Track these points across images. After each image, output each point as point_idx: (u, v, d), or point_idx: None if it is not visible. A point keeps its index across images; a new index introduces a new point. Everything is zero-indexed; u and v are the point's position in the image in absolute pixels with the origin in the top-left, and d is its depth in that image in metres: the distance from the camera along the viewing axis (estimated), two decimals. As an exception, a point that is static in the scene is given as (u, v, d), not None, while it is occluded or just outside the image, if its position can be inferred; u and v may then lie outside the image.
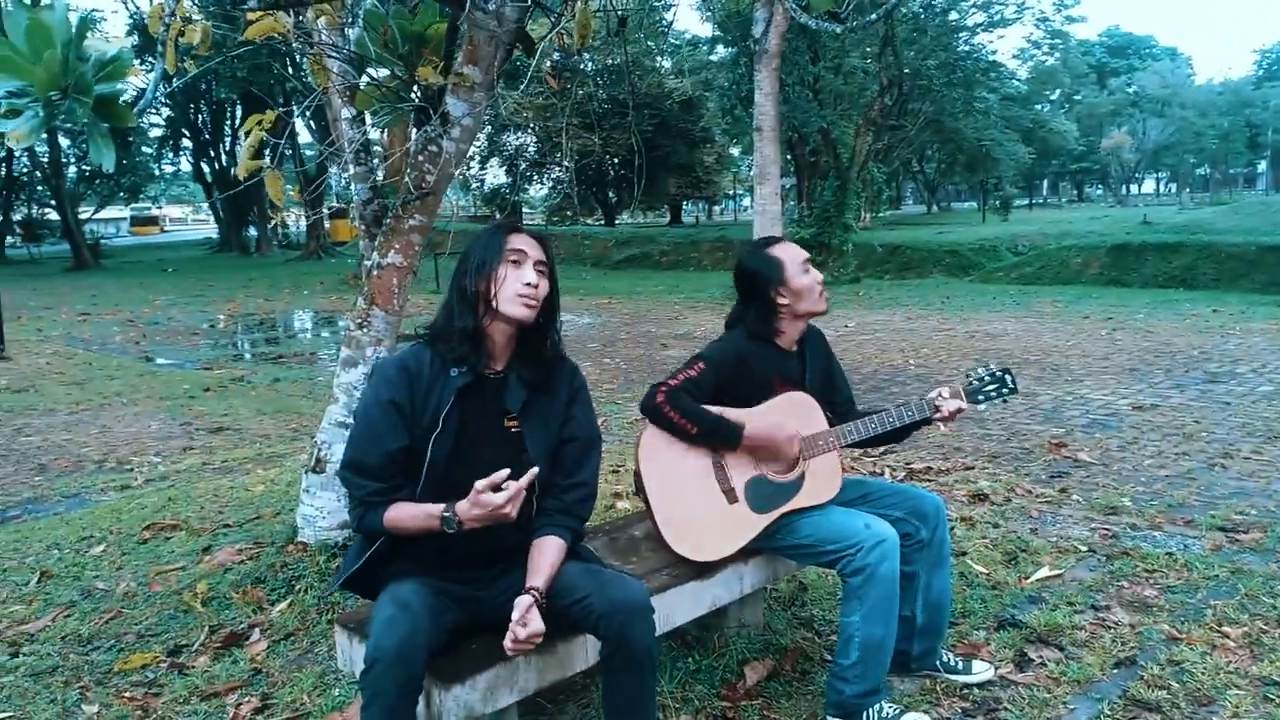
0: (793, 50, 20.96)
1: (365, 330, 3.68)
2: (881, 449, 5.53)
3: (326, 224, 33.86)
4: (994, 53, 32.76)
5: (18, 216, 42.89)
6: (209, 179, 40.85)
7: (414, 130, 3.71)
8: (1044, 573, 3.73)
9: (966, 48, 27.64)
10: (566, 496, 2.31)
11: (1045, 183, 68.88)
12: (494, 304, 2.20)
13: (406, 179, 3.60)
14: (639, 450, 2.77)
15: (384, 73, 3.71)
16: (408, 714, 1.96)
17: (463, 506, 2.06)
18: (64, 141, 33.86)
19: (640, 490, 2.79)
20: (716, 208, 61.40)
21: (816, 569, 3.49)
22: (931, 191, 52.70)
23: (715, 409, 2.73)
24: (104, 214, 50.22)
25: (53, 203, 39.07)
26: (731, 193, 60.27)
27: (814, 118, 23.91)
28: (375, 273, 3.67)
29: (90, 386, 9.29)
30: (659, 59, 35.15)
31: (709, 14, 27.26)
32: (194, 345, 13.22)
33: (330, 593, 2.38)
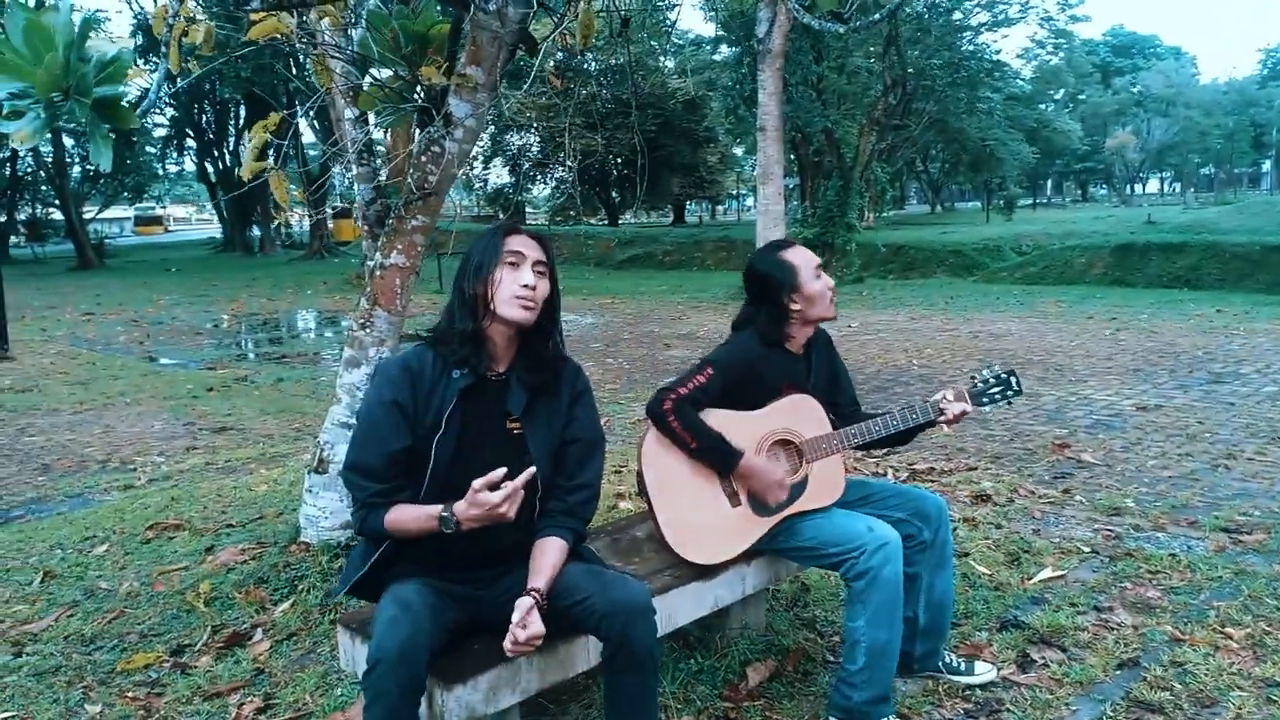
0: (796, 50, 20.94)
1: (368, 330, 3.68)
2: (884, 450, 5.53)
3: (330, 224, 33.92)
4: (998, 52, 32.81)
5: (22, 216, 42.97)
6: (213, 179, 40.91)
7: (417, 131, 3.72)
8: (1047, 574, 3.72)
9: (970, 47, 27.61)
10: (569, 498, 2.31)
11: (1049, 182, 68.82)
12: (492, 306, 2.21)
13: (409, 179, 3.60)
14: (642, 452, 2.76)
15: (387, 73, 3.72)
16: (410, 714, 1.97)
17: (460, 506, 2.06)
18: (68, 141, 33.92)
19: (643, 492, 2.79)
20: (720, 208, 61.39)
21: (819, 569, 3.48)
22: (935, 191, 52.67)
23: (722, 414, 2.73)
24: (108, 214, 50.34)
25: (57, 202, 39.15)
26: (735, 193, 60.31)
27: (817, 117, 23.89)
28: (378, 273, 3.67)
29: (94, 386, 9.31)
30: (662, 59, 35.14)
31: (712, 14, 27.23)
32: (198, 345, 13.24)
33: (336, 599, 2.38)
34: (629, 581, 2.23)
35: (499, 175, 41.38)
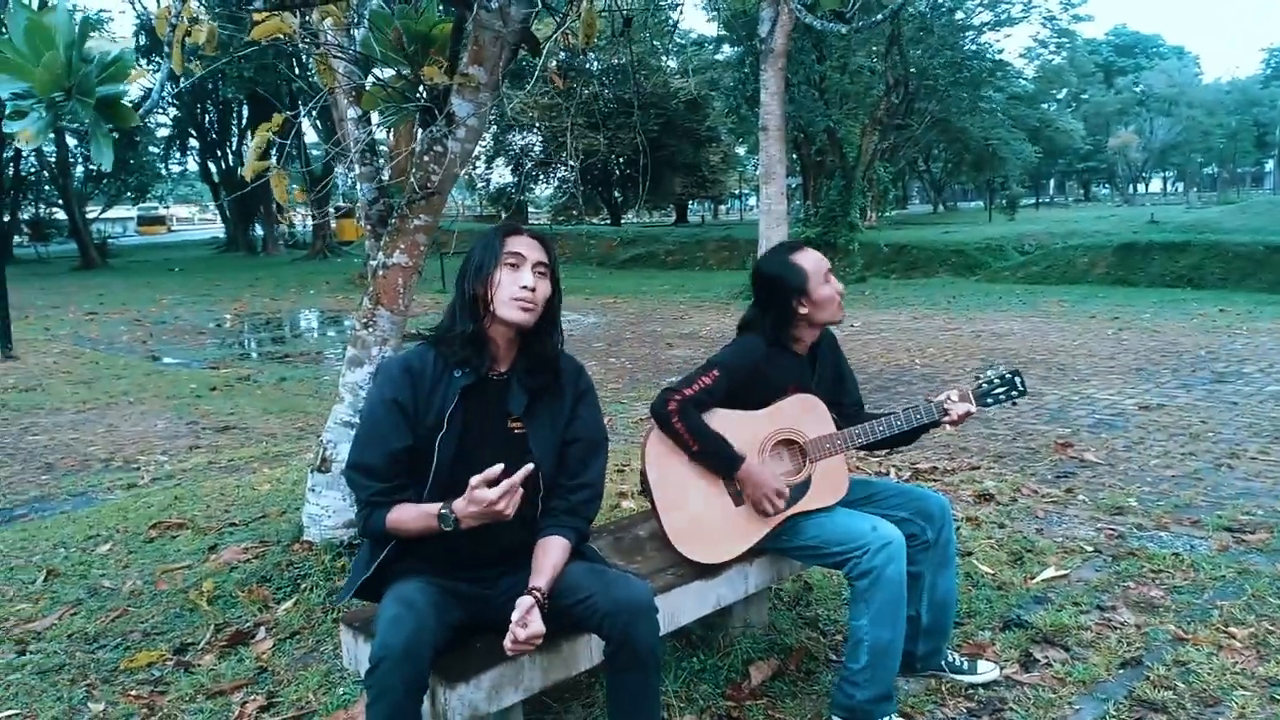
0: (799, 49, 20.95)
1: (371, 330, 3.69)
2: (887, 449, 5.53)
3: (332, 224, 33.94)
4: (1000, 52, 32.77)
5: (25, 216, 43.00)
6: (216, 179, 40.96)
7: (419, 130, 3.72)
8: (1050, 573, 3.72)
9: (973, 47, 27.62)
10: (572, 497, 2.31)
11: (1052, 182, 68.81)
12: (492, 307, 2.21)
13: (412, 179, 3.60)
14: (645, 451, 2.76)
15: (390, 73, 3.72)
16: (413, 712, 1.97)
17: (459, 504, 2.07)
18: (71, 141, 33.97)
19: (646, 491, 2.79)
20: (722, 207, 61.43)
21: (822, 568, 3.48)
22: (938, 191, 52.64)
23: (724, 412, 2.73)
24: (111, 213, 50.37)
25: (60, 202, 39.19)
26: (737, 192, 60.36)
27: (820, 117, 23.88)
28: (381, 272, 3.67)
29: (97, 385, 9.32)
30: (665, 59, 35.12)
31: (715, 13, 27.22)
32: (200, 344, 13.25)
33: (341, 602, 2.38)
34: (631, 580, 2.23)
35: (501, 175, 41.44)
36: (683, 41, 35.55)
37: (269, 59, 21.75)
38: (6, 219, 36.65)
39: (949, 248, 22.49)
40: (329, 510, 3.73)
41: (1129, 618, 3.29)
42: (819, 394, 2.84)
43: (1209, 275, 16.58)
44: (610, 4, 4.51)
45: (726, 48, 31.81)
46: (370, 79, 3.88)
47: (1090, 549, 4.00)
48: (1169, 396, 7.25)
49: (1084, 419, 6.59)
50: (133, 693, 2.89)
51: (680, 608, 2.69)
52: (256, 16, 3.43)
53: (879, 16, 5.15)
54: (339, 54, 3.80)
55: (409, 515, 2.15)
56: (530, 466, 2.10)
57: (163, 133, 41.20)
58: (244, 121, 38.70)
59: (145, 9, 31.31)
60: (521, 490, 2.08)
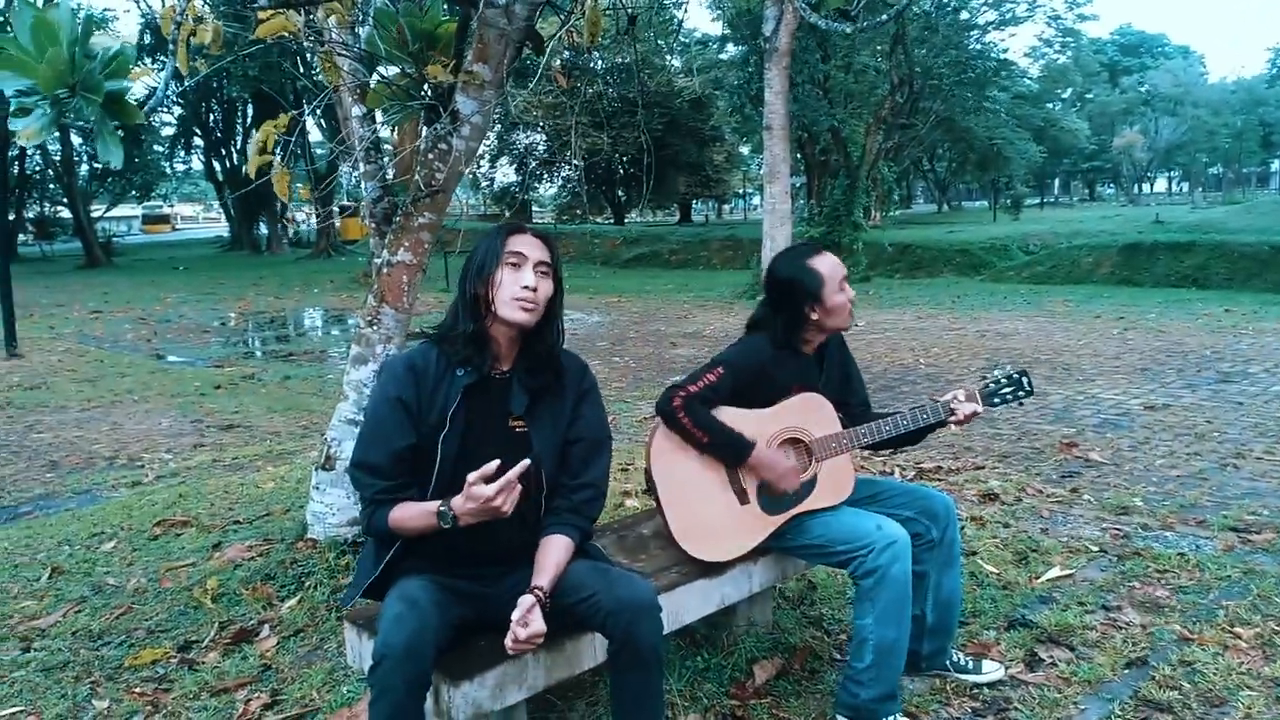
0: (803, 48, 20.93)
1: (375, 328, 3.69)
2: (892, 449, 5.52)
3: (337, 222, 33.95)
4: (1005, 51, 32.65)
5: (30, 214, 43.09)
6: (220, 177, 41.02)
7: (424, 128, 3.72)
8: (1055, 573, 3.71)
9: (978, 46, 27.59)
10: (575, 496, 2.31)
11: (1056, 182, 68.68)
12: (493, 307, 2.21)
13: (416, 177, 3.60)
14: (650, 449, 2.76)
15: (394, 71, 3.72)
16: (416, 710, 1.97)
17: (458, 501, 2.06)
18: (76, 140, 34.00)
19: (651, 489, 2.79)
20: (726, 206, 61.37)
21: (826, 567, 3.48)
22: (942, 190, 52.59)
23: (731, 411, 2.72)
24: (116, 212, 50.43)
25: (65, 201, 39.27)
26: (741, 191, 60.26)
27: (824, 116, 23.85)
28: (385, 270, 3.67)
29: (102, 384, 9.34)
30: (669, 57, 35.09)
31: (719, 12, 27.24)
32: (205, 343, 13.27)
33: (347, 604, 2.38)
34: (634, 579, 2.23)
35: (505, 174, 41.49)
36: (687, 40, 35.53)
37: (274, 57, 21.75)
38: (11, 217, 36.78)
39: (953, 247, 22.47)
40: (333, 508, 3.73)
41: (1134, 617, 3.28)
42: (826, 394, 2.83)
43: (1214, 275, 16.55)
44: (615, 2, 4.51)
45: (731, 47, 31.79)
46: (375, 77, 3.88)
47: (1095, 549, 3.99)
48: (1174, 396, 7.24)
49: (1089, 419, 6.57)
50: (137, 690, 2.89)
51: (684, 606, 2.68)
52: (261, 14, 3.43)
53: (884, 16, 5.15)
54: (344, 52, 3.80)
55: (410, 513, 2.15)
56: (526, 462, 2.08)
57: (167, 131, 41.23)
58: (249, 120, 38.73)
59: (150, 8, 31.38)
60: (519, 487, 2.07)
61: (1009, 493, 4.84)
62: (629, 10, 4.50)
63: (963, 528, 4.11)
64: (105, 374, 10.00)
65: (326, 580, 3.51)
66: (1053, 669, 2.94)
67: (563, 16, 3.70)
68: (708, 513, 2.73)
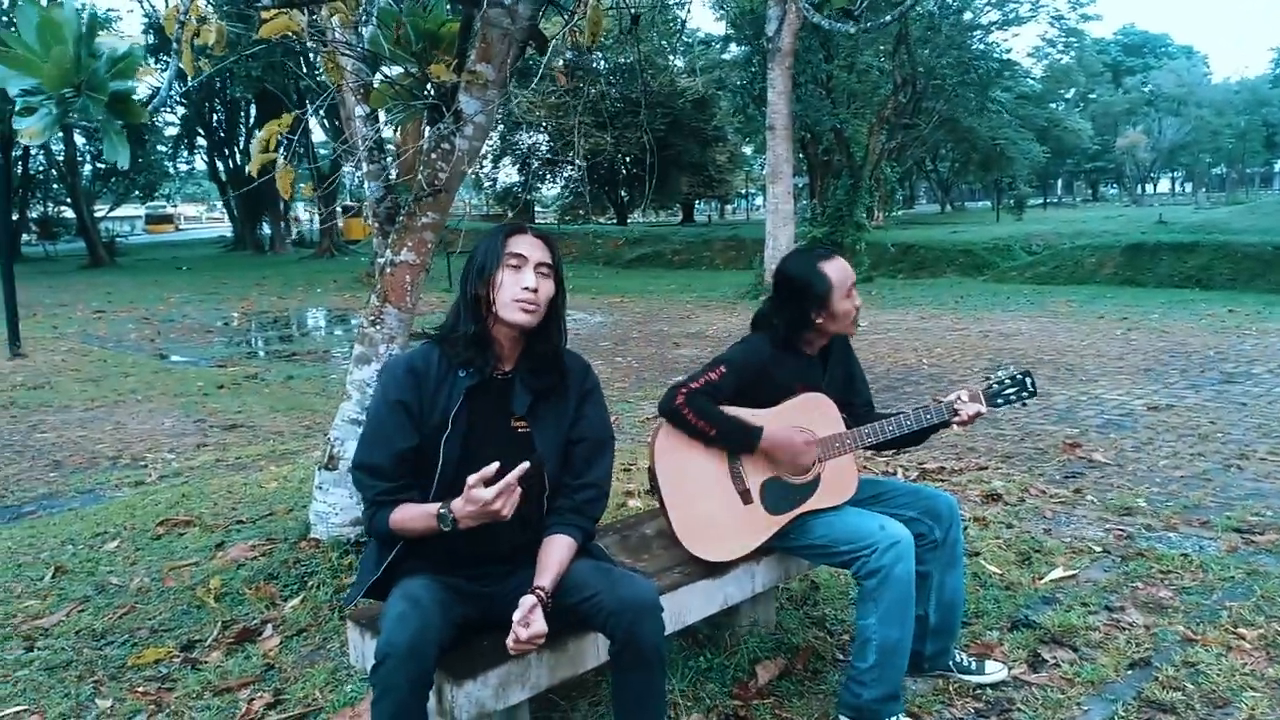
0: (806, 48, 20.93)
1: (378, 327, 3.69)
2: (895, 449, 5.52)
3: (340, 222, 33.99)
4: (1008, 51, 32.64)
5: (34, 214, 43.15)
6: (223, 177, 41.05)
7: (427, 128, 3.72)
8: (1058, 573, 3.71)
9: (981, 46, 27.56)
10: (577, 496, 2.31)
11: (1060, 182, 68.63)
12: (494, 309, 2.21)
13: (419, 176, 3.61)
14: (653, 449, 2.76)
15: (397, 70, 3.72)
16: (419, 709, 1.97)
17: (457, 504, 2.06)
18: (79, 140, 34.05)
19: (654, 489, 2.79)
20: (729, 207, 61.37)
21: (829, 568, 3.48)
22: (945, 190, 52.56)
23: (733, 410, 2.72)
24: (119, 212, 50.44)
25: (68, 201, 39.28)
26: (744, 191, 60.22)
27: (827, 116, 23.86)
28: (388, 270, 3.68)
29: (105, 383, 9.35)
30: (672, 58, 35.09)
31: (722, 12, 27.25)
32: (208, 343, 13.28)
33: (350, 605, 2.39)
34: (636, 579, 2.23)
35: (508, 174, 41.49)
36: (690, 40, 35.52)
37: (277, 57, 21.79)
38: (15, 217, 36.85)
39: (956, 247, 22.45)
40: (336, 508, 3.73)
41: (1138, 618, 3.28)
42: (829, 394, 2.83)
43: (1218, 276, 16.52)
44: (618, 2, 4.51)
45: (734, 47, 31.81)
46: (378, 77, 3.88)
47: (1099, 549, 3.99)
48: (1178, 397, 7.23)
49: (1092, 419, 6.57)
50: (140, 689, 2.90)
51: (687, 606, 2.68)
52: (265, 14, 3.43)
53: (887, 17, 5.14)
54: (347, 52, 3.80)
55: (411, 515, 2.15)
56: (526, 465, 2.08)
57: (171, 131, 41.28)
58: (252, 120, 38.78)
59: (153, 7, 31.43)
60: (519, 491, 2.07)
61: (1012, 493, 4.83)
62: (632, 10, 4.50)
63: (966, 528, 4.11)
64: (108, 374, 10.01)
65: (329, 580, 3.51)
66: (1056, 670, 2.93)
67: (566, 15, 3.70)
68: (711, 512, 2.73)
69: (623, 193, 42.19)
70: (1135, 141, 50.98)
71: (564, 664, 2.32)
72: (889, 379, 8.52)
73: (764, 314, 2.89)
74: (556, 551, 2.21)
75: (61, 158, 36.05)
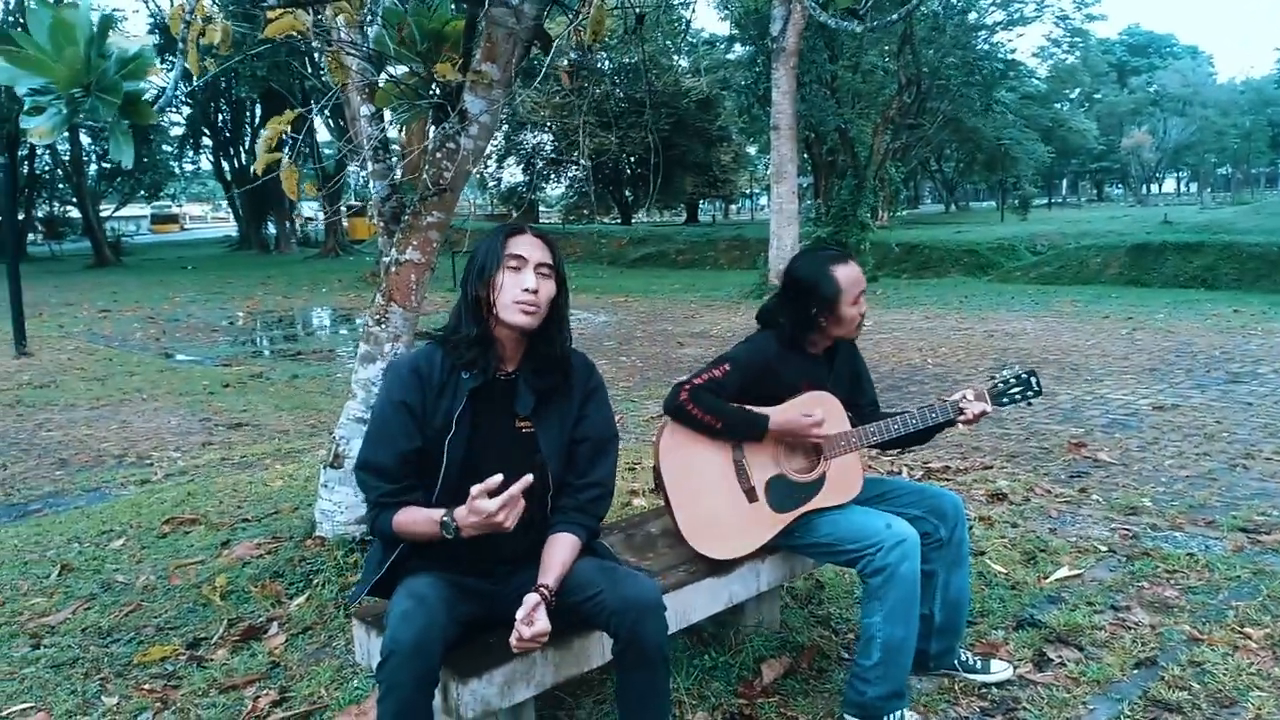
0: (810, 48, 20.93)
1: (383, 326, 3.69)
2: (900, 449, 5.52)
3: (345, 222, 34.01)
4: (1013, 51, 32.64)
5: (40, 214, 43.25)
6: (229, 177, 41.11)
7: (432, 127, 3.72)
8: (1063, 572, 3.71)
9: (985, 46, 27.54)
10: (582, 495, 2.31)
11: (1064, 182, 68.56)
12: (495, 310, 2.21)
13: (424, 176, 3.61)
14: (658, 448, 2.76)
15: (402, 70, 3.72)
16: (424, 707, 1.97)
17: (460, 512, 2.06)
18: (85, 139, 34.14)
19: (659, 488, 2.79)
20: (733, 206, 61.40)
21: (834, 566, 3.48)
22: (950, 190, 52.54)
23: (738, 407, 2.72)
24: (125, 212, 50.62)
25: (74, 200, 39.37)
26: (748, 191, 60.25)
27: (831, 116, 23.86)
28: (393, 269, 3.68)
29: (111, 382, 9.37)
30: (676, 58, 35.09)
31: (727, 12, 27.25)
32: (213, 342, 13.30)
33: (354, 602, 2.39)
34: (640, 578, 2.23)
35: (513, 174, 41.50)
36: (694, 40, 35.50)
37: (282, 56, 21.82)
38: (21, 217, 36.93)
39: (961, 247, 22.43)
40: (341, 506, 3.74)
41: (1143, 618, 3.28)
42: (835, 393, 2.83)
43: (1223, 276, 16.49)
44: (622, 2, 4.51)
45: (738, 47, 31.82)
46: (383, 76, 3.88)
47: (1104, 549, 3.98)
48: (1183, 397, 7.21)
49: (1098, 419, 6.56)
50: (146, 686, 2.90)
51: (692, 605, 2.68)
52: (270, 14, 3.44)
53: (894, 17, 5.13)
54: (352, 51, 3.80)
55: (415, 520, 2.16)
56: (529, 478, 2.08)
57: (176, 131, 41.40)
58: (257, 120, 38.85)
59: (159, 7, 31.49)
60: (523, 503, 2.08)
61: (1017, 492, 4.83)
62: (636, 9, 4.50)
63: (971, 527, 4.10)
64: (114, 372, 10.03)
65: (335, 578, 3.52)
66: (1061, 669, 2.93)
67: (570, 15, 3.70)
68: (716, 511, 2.73)
69: (627, 192, 42.20)
70: (1140, 141, 50.94)
71: (569, 662, 2.32)
72: (894, 379, 8.51)
73: (769, 310, 2.89)
74: (560, 550, 2.21)
75: (67, 157, 36.13)
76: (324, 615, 3.31)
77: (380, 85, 3.83)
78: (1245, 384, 7.64)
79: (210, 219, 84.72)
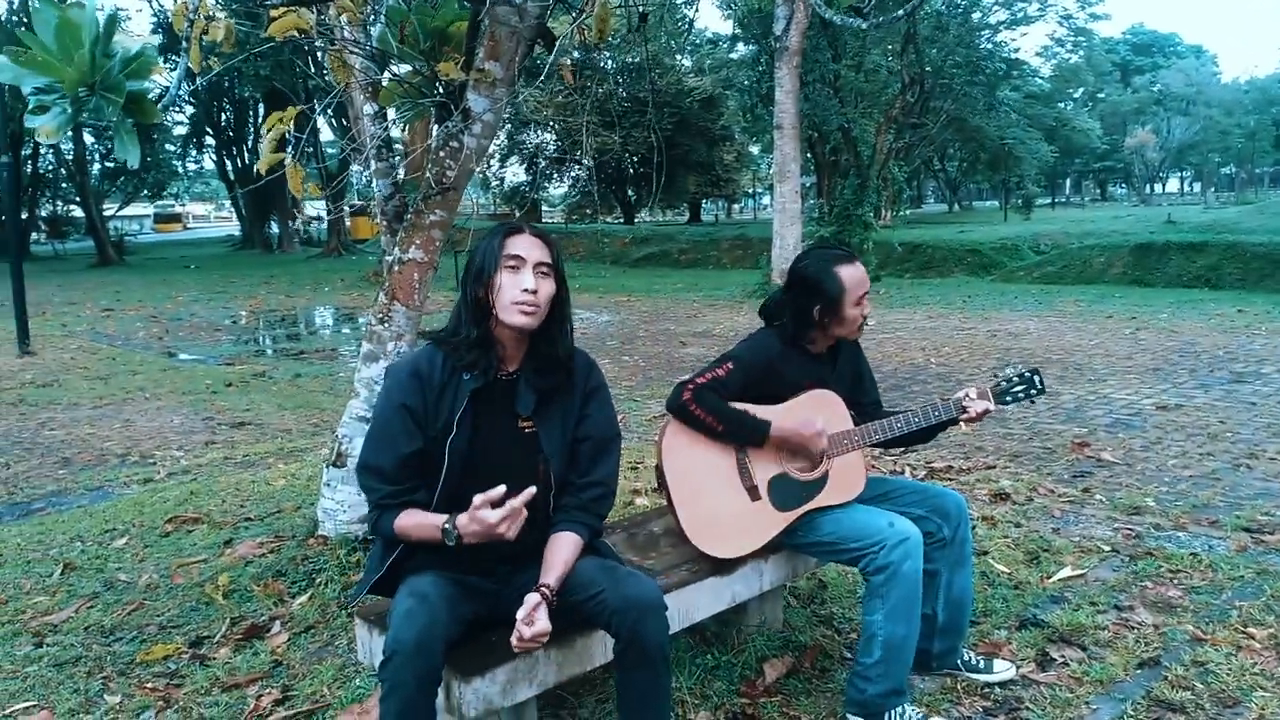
0: (814, 47, 20.90)
1: (386, 325, 3.69)
2: (903, 448, 5.51)
3: (347, 221, 34.01)
4: (1017, 50, 32.52)
5: (43, 213, 43.31)
6: (232, 176, 41.15)
7: (435, 126, 3.72)
8: (1066, 572, 3.70)
9: (989, 46, 27.53)
10: (584, 494, 2.31)
11: (1068, 181, 68.47)
12: (494, 311, 2.20)
13: (428, 174, 3.61)
14: (661, 447, 2.76)
15: (406, 68, 3.72)
16: (426, 706, 1.97)
17: (462, 520, 2.07)
18: (89, 138, 34.20)
19: (662, 486, 2.79)
20: (736, 206, 61.32)
21: (836, 566, 3.47)
22: (953, 190, 52.49)
23: (741, 406, 2.72)
24: (128, 211, 50.67)
25: (78, 200, 39.42)
26: (751, 191, 60.24)
27: (834, 115, 23.84)
28: (396, 268, 3.68)
29: (114, 381, 9.38)
30: (679, 57, 35.12)
31: (730, 11, 27.23)
32: (216, 341, 13.31)
33: (355, 600, 2.39)
34: (641, 578, 2.22)
35: (515, 173, 41.49)
36: (697, 40, 35.53)
37: (285, 55, 21.83)
38: (25, 216, 36.98)
39: (964, 247, 22.39)
40: (344, 505, 3.74)
41: (1146, 618, 3.27)
42: (837, 392, 2.83)
43: (1227, 276, 16.45)
44: (626, 1, 4.51)
45: (741, 46, 31.82)
46: (386, 75, 3.88)
47: (1107, 549, 3.97)
48: (1187, 396, 7.20)
49: (1101, 419, 6.55)
50: (149, 685, 2.91)
51: (695, 604, 2.68)
52: (273, 12, 3.44)
53: (900, 13, 5.14)
54: (355, 50, 3.80)
55: (416, 524, 2.16)
56: (532, 490, 2.08)
57: (180, 131, 41.46)
58: (260, 119, 38.87)
59: (162, 6, 31.51)
60: (525, 514, 2.08)
61: (1020, 492, 4.82)
62: (640, 8, 4.50)
63: (974, 527, 4.09)
64: (117, 371, 10.04)
65: (337, 577, 3.52)
66: (1064, 669, 2.93)
67: (574, 13, 3.70)
68: (719, 509, 2.73)
69: (630, 192, 42.18)
70: (1144, 141, 50.86)
71: (571, 661, 2.32)
72: (897, 378, 8.50)
73: (771, 306, 2.89)
74: (562, 549, 2.21)
75: (71, 156, 36.19)
76: (326, 614, 3.32)
77: (383, 84, 3.83)
78: (1249, 384, 7.63)
79: (213, 218, 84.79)
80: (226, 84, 35.41)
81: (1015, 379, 2.85)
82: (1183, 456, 5.46)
